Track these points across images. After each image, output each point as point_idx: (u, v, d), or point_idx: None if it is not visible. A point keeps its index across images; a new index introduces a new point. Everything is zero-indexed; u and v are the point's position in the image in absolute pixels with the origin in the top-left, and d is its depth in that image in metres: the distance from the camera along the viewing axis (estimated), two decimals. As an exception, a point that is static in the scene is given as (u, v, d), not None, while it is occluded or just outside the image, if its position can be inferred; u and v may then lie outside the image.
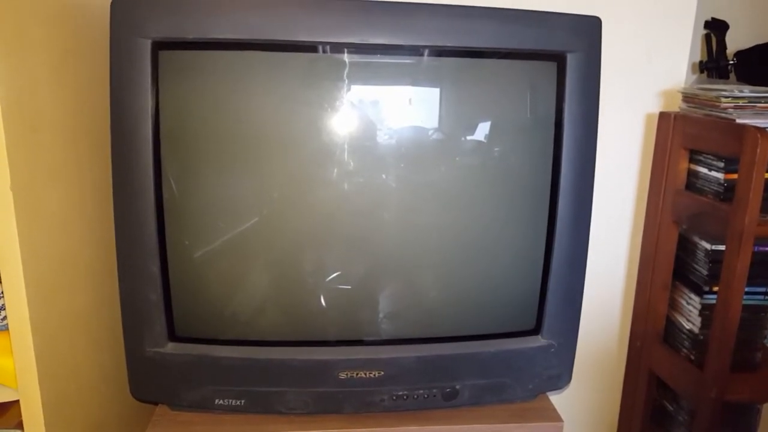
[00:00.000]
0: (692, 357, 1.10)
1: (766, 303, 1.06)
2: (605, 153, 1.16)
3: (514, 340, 0.94)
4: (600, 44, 0.87)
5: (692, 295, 1.10)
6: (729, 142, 0.96)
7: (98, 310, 0.94)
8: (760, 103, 0.98)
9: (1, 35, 0.69)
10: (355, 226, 0.90)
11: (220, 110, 0.83)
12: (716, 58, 1.22)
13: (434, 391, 0.92)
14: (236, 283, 0.90)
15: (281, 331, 0.93)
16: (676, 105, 1.15)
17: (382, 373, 0.90)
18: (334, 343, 0.92)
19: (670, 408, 1.21)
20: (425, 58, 0.85)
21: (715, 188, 1.04)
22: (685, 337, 1.12)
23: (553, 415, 0.96)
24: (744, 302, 0.99)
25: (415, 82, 0.86)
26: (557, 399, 1.27)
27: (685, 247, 1.13)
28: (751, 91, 0.99)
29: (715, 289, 1.04)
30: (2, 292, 0.74)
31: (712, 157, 1.05)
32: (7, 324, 0.74)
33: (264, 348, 0.90)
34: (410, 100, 0.87)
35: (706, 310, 1.06)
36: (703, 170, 1.07)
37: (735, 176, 0.96)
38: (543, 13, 0.85)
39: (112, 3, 0.77)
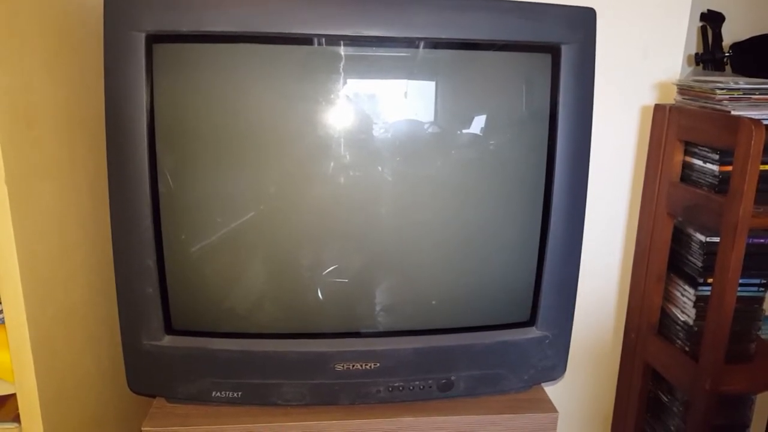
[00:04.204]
0: (687, 348, 1.10)
1: (760, 294, 1.07)
2: (600, 145, 1.16)
3: (509, 331, 0.94)
4: (595, 36, 0.87)
5: (687, 287, 1.10)
6: (724, 134, 0.97)
7: (95, 304, 0.94)
8: (756, 94, 0.98)
9: (-7, 29, 0.69)
10: (352, 220, 0.90)
11: (215, 103, 0.83)
12: (712, 50, 1.21)
13: (430, 382, 0.93)
14: (233, 277, 0.90)
15: (278, 323, 0.93)
16: (672, 97, 1.15)
17: (378, 364, 0.91)
18: (331, 335, 0.92)
19: (665, 399, 1.22)
20: (420, 50, 0.84)
21: (709, 180, 1.04)
22: (679, 328, 1.13)
23: (548, 406, 0.97)
24: (738, 294, 0.99)
25: (409, 75, 0.86)
26: (552, 390, 1.29)
27: (679, 239, 1.13)
28: (747, 83, 0.98)
29: (710, 280, 1.04)
30: (-2, 286, 0.74)
31: (707, 149, 1.05)
32: (3, 318, 0.75)
33: (261, 340, 0.91)
34: (405, 93, 0.87)
35: (700, 302, 1.07)
36: (698, 162, 1.07)
37: (730, 168, 0.96)
38: (538, 4, 0.84)
39: (105, -4, 0.77)
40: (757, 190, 0.93)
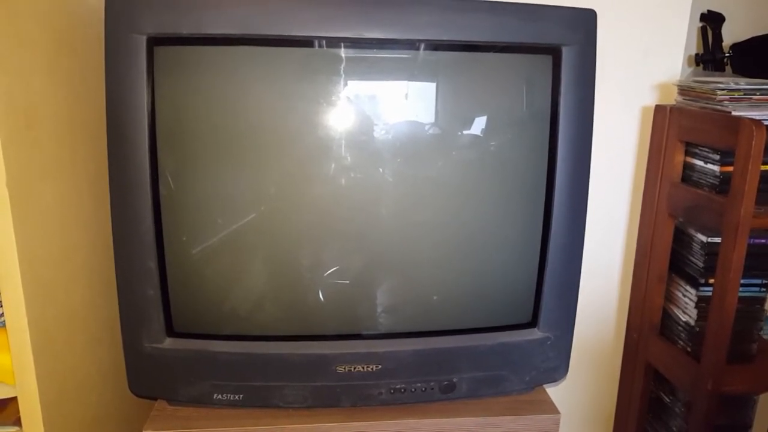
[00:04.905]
0: (688, 349, 1.10)
1: (761, 295, 1.07)
2: (601, 146, 1.16)
3: (511, 333, 0.94)
4: (595, 37, 0.87)
5: (688, 288, 1.10)
6: (725, 135, 0.97)
7: (96, 306, 0.94)
8: (756, 95, 0.98)
9: (-6, 31, 0.69)
10: (353, 221, 0.90)
11: (216, 106, 0.83)
12: (712, 50, 1.22)
13: (432, 384, 0.92)
14: (234, 279, 0.90)
15: (279, 325, 0.93)
16: (672, 98, 1.15)
17: (380, 366, 0.91)
18: (332, 338, 0.92)
19: (667, 400, 1.22)
20: (421, 52, 0.84)
21: (710, 181, 1.04)
22: (681, 329, 1.12)
23: (550, 408, 0.97)
24: (740, 294, 0.99)
25: (410, 77, 0.86)
26: (554, 391, 1.28)
27: (681, 240, 1.13)
28: (747, 84, 0.99)
29: (711, 281, 1.04)
30: (-1, 289, 0.74)
31: (707, 150, 1.05)
32: (4, 321, 0.75)
33: (262, 343, 0.90)
34: (406, 94, 0.87)
35: (702, 302, 1.07)
36: (699, 163, 1.07)
37: (730, 169, 0.96)
38: (538, 6, 0.84)
39: (106, -2, 0.77)
40: (758, 191, 0.93)
